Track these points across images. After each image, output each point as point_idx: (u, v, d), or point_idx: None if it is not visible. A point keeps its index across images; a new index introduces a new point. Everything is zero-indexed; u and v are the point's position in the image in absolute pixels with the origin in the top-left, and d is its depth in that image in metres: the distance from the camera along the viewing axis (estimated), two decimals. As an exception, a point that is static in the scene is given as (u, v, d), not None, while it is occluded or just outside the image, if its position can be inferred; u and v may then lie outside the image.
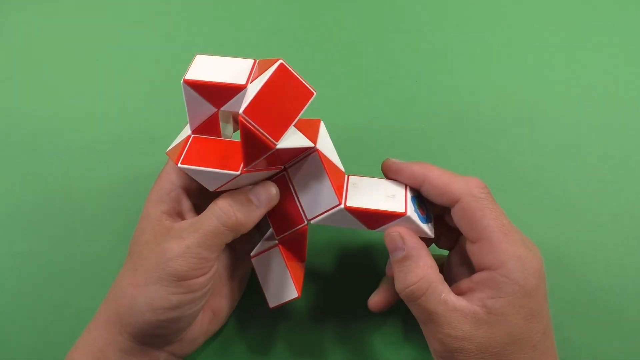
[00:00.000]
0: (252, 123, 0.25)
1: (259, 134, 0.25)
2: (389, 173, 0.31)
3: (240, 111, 0.24)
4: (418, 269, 0.27)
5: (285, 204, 0.31)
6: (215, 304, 0.33)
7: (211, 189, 0.29)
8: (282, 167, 0.30)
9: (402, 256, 0.28)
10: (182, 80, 0.27)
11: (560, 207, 0.38)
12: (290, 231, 0.31)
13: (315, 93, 0.26)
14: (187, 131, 0.30)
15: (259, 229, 0.35)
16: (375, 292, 0.33)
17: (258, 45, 0.43)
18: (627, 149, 0.39)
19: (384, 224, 0.29)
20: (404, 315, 0.35)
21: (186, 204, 0.31)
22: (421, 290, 0.27)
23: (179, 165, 0.28)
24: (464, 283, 0.28)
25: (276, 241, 0.32)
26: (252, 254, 0.32)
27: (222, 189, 0.29)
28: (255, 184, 0.30)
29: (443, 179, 0.28)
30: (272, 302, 0.32)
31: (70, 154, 0.40)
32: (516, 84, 0.41)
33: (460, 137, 0.40)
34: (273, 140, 0.25)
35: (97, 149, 0.40)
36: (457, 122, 0.40)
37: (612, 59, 0.42)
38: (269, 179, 0.31)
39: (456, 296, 0.27)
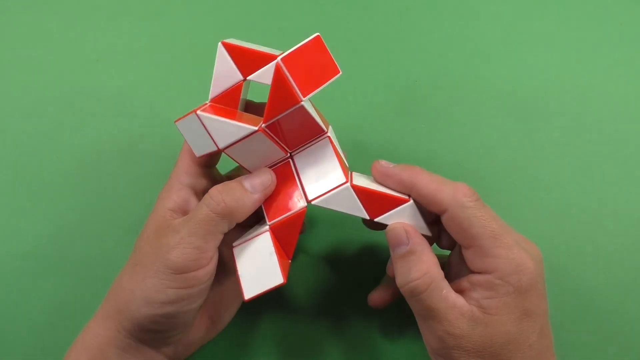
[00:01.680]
0: (286, 72, 0.26)
1: (290, 84, 0.26)
2: (377, 176, 0.30)
3: (279, 58, 0.26)
4: (422, 264, 0.27)
5: (285, 188, 0.31)
6: (214, 311, 0.33)
7: (221, 144, 0.29)
8: (289, 154, 0.31)
9: (406, 251, 0.28)
10: (219, 43, 0.29)
11: (560, 206, 0.38)
12: (287, 214, 0.30)
13: (340, 72, 0.28)
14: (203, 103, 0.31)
15: None
16: (376, 288, 0.34)
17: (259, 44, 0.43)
18: (628, 148, 0.39)
19: (386, 210, 0.29)
20: (403, 314, 0.36)
21: (193, 203, 0.31)
22: (424, 285, 0.27)
23: (198, 112, 0.28)
24: (461, 282, 0.28)
25: (267, 226, 0.30)
26: (234, 243, 0.31)
27: (231, 151, 0.29)
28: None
29: (430, 188, 0.28)
30: (250, 292, 0.29)
31: (71, 154, 0.40)
32: (516, 84, 0.41)
33: (460, 137, 0.40)
34: (300, 95, 0.26)
35: (97, 148, 0.40)
36: (456, 122, 0.40)
37: (613, 57, 0.42)
38: (275, 164, 0.31)
39: (456, 294, 0.27)
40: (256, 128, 0.28)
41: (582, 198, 0.38)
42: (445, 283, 0.27)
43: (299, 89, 0.26)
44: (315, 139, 0.30)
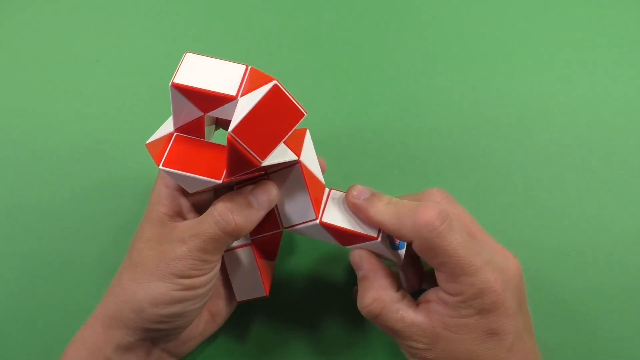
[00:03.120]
0: (240, 142, 0.24)
1: (246, 153, 0.25)
2: (350, 207, 0.30)
3: (230, 130, 0.24)
4: (372, 290, 0.28)
5: None
6: (213, 307, 0.33)
7: (190, 191, 0.29)
8: (264, 172, 0.30)
9: (361, 276, 0.29)
10: (170, 83, 0.26)
11: (560, 207, 0.38)
12: (266, 234, 0.32)
13: (305, 114, 0.26)
14: (170, 125, 0.29)
15: None
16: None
17: (258, 45, 0.43)
18: (627, 149, 0.39)
19: (355, 243, 0.30)
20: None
21: (185, 204, 0.31)
22: (376, 310, 0.28)
23: (160, 167, 0.27)
24: (430, 294, 0.28)
25: (249, 240, 0.32)
26: None
27: (202, 192, 0.29)
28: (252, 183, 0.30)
29: (393, 224, 0.28)
30: (240, 296, 0.33)
31: (70, 154, 0.40)
32: (516, 84, 0.41)
33: (459, 137, 0.40)
34: (259, 159, 0.25)
35: (97, 148, 0.40)
36: (456, 122, 0.40)
37: (612, 58, 0.42)
38: (251, 178, 0.30)
39: (415, 311, 0.28)
40: (219, 182, 0.27)
41: (582, 199, 0.38)
42: (401, 304, 0.28)
43: (257, 154, 0.25)
44: (287, 164, 0.29)
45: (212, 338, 0.35)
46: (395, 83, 0.42)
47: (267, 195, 0.29)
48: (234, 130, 0.24)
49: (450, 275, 0.26)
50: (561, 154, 0.39)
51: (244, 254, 0.32)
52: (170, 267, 0.27)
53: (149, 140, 0.29)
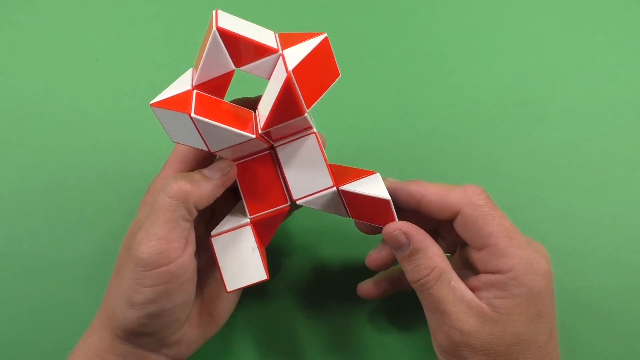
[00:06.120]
0: (296, 84, 0.25)
1: (298, 97, 0.25)
2: (390, 187, 0.30)
3: (290, 68, 0.24)
4: (429, 260, 0.27)
5: (268, 181, 0.30)
6: (213, 307, 0.33)
7: (213, 149, 0.27)
8: (271, 145, 0.30)
9: (410, 251, 0.28)
10: (214, 27, 0.25)
11: (560, 207, 0.38)
12: (270, 210, 0.30)
13: (340, 75, 0.27)
14: (183, 85, 0.27)
15: None
16: (367, 280, 0.34)
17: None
18: (627, 148, 0.39)
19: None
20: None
21: None
22: (434, 279, 0.27)
23: (193, 115, 0.25)
24: (471, 281, 0.28)
25: (248, 220, 0.30)
26: (213, 233, 0.30)
27: (222, 153, 0.28)
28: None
29: (440, 193, 0.28)
30: (233, 285, 0.29)
31: (70, 154, 0.40)
32: (516, 84, 0.41)
33: (460, 137, 0.40)
34: (305, 107, 0.26)
35: (97, 148, 0.40)
36: (457, 122, 0.40)
37: (612, 58, 0.42)
38: (255, 153, 0.30)
39: (465, 286, 0.27)
40: (254, 136, 0.27)
41: (583, 198, 0.38)
42: (453, 274, 0.27)
43: (305, 101, 0.25)
44: (301, 132, 0.29)
45: (215, 338, 0.35)
46: (395, 83, 0.42)
47: (219, 165, 0.29)
48: (294, 69, 0.24)
49: (499, 249, 0.26)
50: (561, 154, 0.39)
51: (242, 235, 0.30)
52: (133, 258, 0.26)
53: (155, 100, 0.27)
